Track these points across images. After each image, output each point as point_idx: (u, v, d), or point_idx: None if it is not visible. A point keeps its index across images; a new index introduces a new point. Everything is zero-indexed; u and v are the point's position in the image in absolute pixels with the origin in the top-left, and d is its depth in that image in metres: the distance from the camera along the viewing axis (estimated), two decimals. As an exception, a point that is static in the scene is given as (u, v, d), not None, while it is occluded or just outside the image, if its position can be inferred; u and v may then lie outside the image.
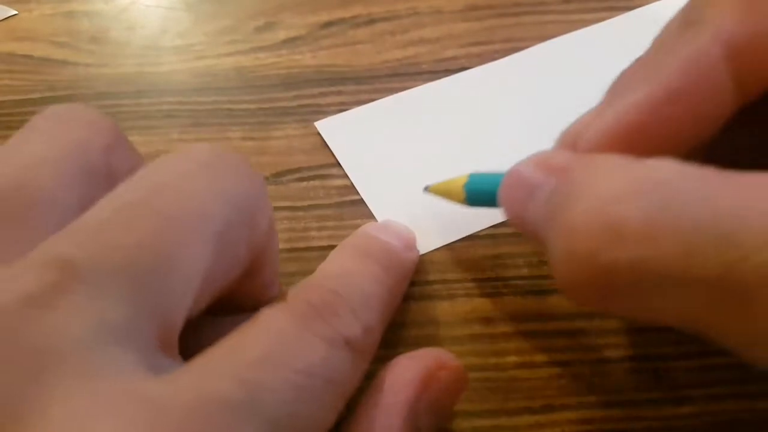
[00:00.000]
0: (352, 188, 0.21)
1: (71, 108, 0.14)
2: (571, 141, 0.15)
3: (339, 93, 0.24)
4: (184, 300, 0.12)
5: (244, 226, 0.13)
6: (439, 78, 0.24)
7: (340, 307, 0.14)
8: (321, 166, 0.22)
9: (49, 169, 0.13)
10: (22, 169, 0.13)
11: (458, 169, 0.21)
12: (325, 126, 0.23)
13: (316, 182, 0.22)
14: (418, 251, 0.19)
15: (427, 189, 0.19)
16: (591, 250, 0.12)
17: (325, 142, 0.22)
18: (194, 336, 0.13)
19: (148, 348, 0.11)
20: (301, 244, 0.20)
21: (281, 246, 0.20)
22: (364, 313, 0.14)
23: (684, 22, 0.14)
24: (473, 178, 0.18)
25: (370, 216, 0.20)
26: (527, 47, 0.25)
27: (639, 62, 0.15)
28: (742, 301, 0.11)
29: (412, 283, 0.19)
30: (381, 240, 0.17)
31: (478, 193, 0.17)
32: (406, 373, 0.15)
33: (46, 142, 0.13)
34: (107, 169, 0.14)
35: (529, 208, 0.14)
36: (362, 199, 0.21)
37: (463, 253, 0.19)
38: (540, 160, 0.15)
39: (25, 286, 0.10)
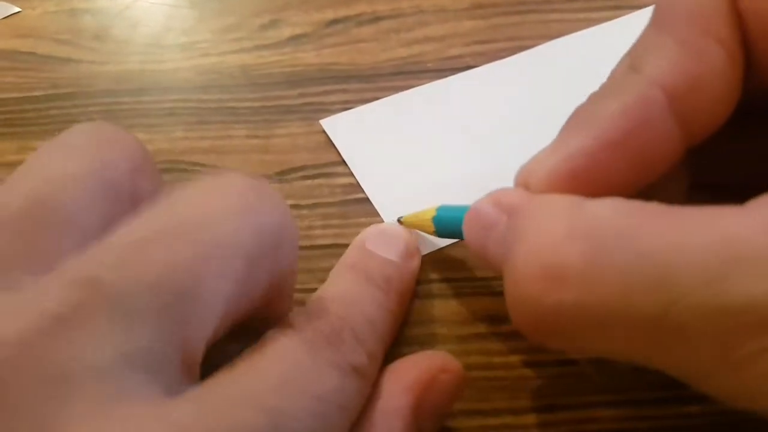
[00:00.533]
0: (357, 186, 0.21)
1: (100, 126, 0.14)
2: (525, 179, 0.15)
3: (343, 91, 0.24)
4: (207, 327, 0.12)
5: (270, 260, 0.13)
6: (444, 76, 0.24)
7: (346, 335, 0.14)
8: (325, 165, 0.22)
9: (72, 187, 0.13)
10: (43, 186, 0.13)
11: (463, 168, 0.21)
12: (330, 124, 0.23)
13: (321, 180, 0.21)
14: (420, 254, 0.19)
15: (399, 220, 0.19)
16: (533, 295, 0.12)
17: (330, 140, 0.22)
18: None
19: (171, 374, 0.11)
20: (305, 243, 0.20)
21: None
22: (368, 340, 0.14)
23: (629, 66, 0.14)
24: (441, 211, 0.18)
25: (375, 214, 0.20)
26: (532, 46, 0.25)
27: (590, 100, 0.15)
28: (682, 338, 0.11)
29: (417, 282, 0.18)
30: (380, 258, 0.17)
31: (446, 226, 0.18)
32: (406, 377, 0.15)
33: (70, 159, 0.13)
34: (132, 190, 0.14)
35: (489, 245, 0.15)
36: (367, 197, 0.21)
37: (470, 250, 0.19)
38: (495, 198, 0.15)
39: (50, 306, 0.10)
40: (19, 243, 0.12)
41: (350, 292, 0.16)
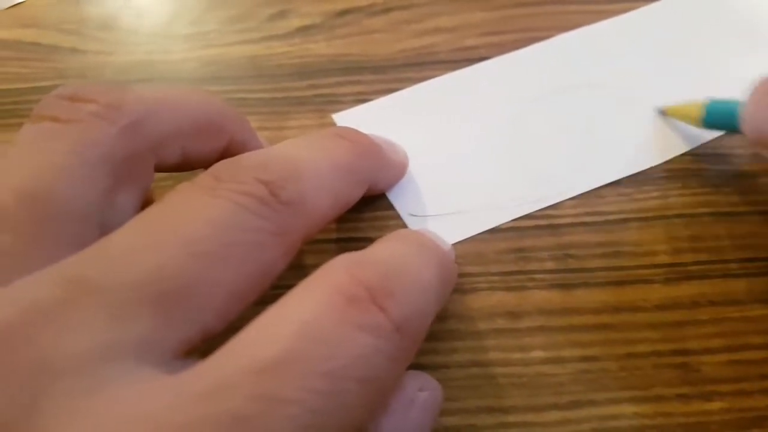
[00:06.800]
0: (370, 179, 0.21)
1: (72, 104, 0.14)
2: None
3: (355, 82, 0.23)
4: (209, 318, 0.12)
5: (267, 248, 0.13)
6: (458, 68, 0.23)
7: (397, 286, 0.12)
8: (338, 157, 0.21)
9: (61, 178, 0.13)
10: (35, 180, 0.13)
11: (479, 161, 0.21)
12: (344, 118, 0.22)
13: (334, 173, 0.21)
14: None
15: (662, 111, 0.21)
16: None
17: (342, 133, 0.22)
18: None
19: (170, 360, 0.11)
20: (320, 236, 0.20)
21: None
22: (421, 297, 0.13)
23: None
24: (713, 103, 0.20)
25: (390, 208, 0.20)
26: (546, 37, 0.24)
27: None
28: None
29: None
30: (435, 239, 0.16)
31: (718, 112, 0.20)
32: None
33: (54, 147, 0.13)
34: (125, 151, 0.14)
35: None
36: (381, 190, 0.20)
37: (486, 246, 0.19)
38: None
39: (34, 300, 0.10)
40: (14, 241, 0.12)
41: (404, 251, 0.14)
